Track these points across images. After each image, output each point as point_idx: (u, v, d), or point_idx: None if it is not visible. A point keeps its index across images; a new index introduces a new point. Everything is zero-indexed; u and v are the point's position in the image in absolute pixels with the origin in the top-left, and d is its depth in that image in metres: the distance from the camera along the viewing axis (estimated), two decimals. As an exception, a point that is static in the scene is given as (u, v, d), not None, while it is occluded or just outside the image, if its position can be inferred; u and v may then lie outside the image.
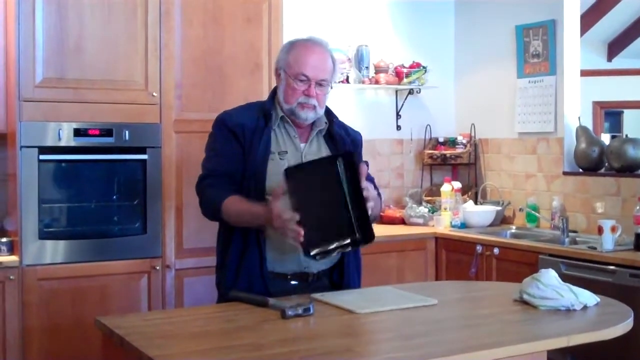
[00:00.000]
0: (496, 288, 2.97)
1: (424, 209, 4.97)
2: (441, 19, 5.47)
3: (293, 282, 2.62)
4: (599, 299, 2.46)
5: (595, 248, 3.85)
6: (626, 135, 4.46)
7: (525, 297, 2.44)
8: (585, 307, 2.40)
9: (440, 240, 4.68)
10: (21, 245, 3.52)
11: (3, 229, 3.82)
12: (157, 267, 3.82)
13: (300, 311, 2.25)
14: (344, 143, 2.76)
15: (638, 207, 3.81)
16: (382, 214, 5.05)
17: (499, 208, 4.92)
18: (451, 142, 5.30)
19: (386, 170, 5.26)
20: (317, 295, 2.51)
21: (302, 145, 2.69)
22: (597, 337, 2.18)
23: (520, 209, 4.81)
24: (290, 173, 2.39)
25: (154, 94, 3.83)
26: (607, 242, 3.80)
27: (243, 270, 2.57)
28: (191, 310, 2.83)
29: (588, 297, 2.43)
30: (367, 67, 5.03)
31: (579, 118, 4.70)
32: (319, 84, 2.64)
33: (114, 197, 3.80)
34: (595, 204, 4.43)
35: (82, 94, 3.66)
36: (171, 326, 2.26)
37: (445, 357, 1.91)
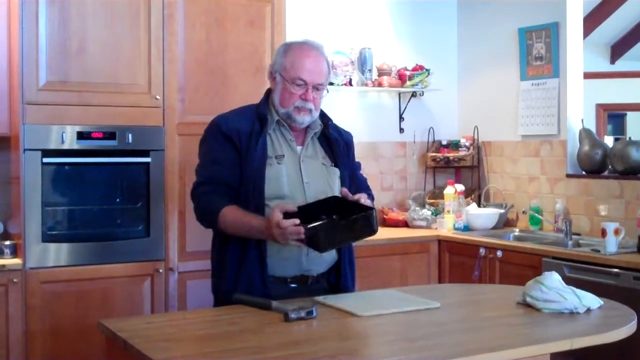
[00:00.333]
0: (499, 291, 2.97)
1: (427, 212, 4.97)
2: (444, 22, 5.48)
3: (292, 285, 2.62)
4: (602, 302, 2.46)
5: (598, 251, 3.84)
6: (629, 138, 4.47)
7: (529, 300, 2.43)
8: (588, 310, 2.39)
9: (443, 243, 4.68)
10: (24, 248, 3.52)
11: (6, 232, 3.82)
12: (160, 270, 3.82)
13: (303, 314, 2.26)
14: (338, 145, 2.75)
15: (641, 210, 3.81)
16: (385, 216, 5.06)
17: (502, 211, 4.91)
18: (454, 145, 5.30)
19: (389, 173, 5.25)
20: (320, 298, 2.51)
21: (299, 148, 2.68)
22: (600, 340, 2.18)
23: (524, 212, 4.81)
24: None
25: (157, 97, 3.83)
26: (611, 244, 3.79)
27: (243, 275, 2.56)
28: (194, 313, 2.83)
29: (591, 300, 2.43)
30: (370, 70, 5.03)
31: (582, 120, 4.70)
32: (316, 87, 2.63)
33: (117, 200, 3.81)
34: (598, 206, 4.43)
35: (85, 97, 3.67)
36: (174, 329, 2.26)
37: (448, 360, 1.91)
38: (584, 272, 3.75)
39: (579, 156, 4.55)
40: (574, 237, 4.29)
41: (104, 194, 3.78)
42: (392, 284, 4.22)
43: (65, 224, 3.69)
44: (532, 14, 4.89)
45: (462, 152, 5.23)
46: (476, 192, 5.21)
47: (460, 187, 4.96)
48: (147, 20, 3.80)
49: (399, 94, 5.26)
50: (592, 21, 7.51)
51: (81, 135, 3.65)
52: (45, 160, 3.57)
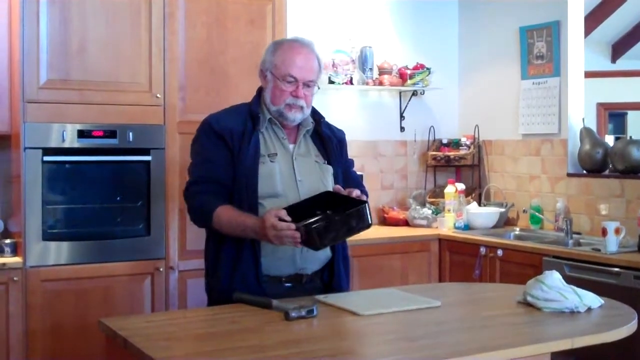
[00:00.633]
0: (500, 290, 2.97)
1: (427, 211, 4.97)
2: (445, 21, 5.47)
3: (287, 285, 2.61)
4: (603, 301, 2.46)
5: (599, 250, 3.84)
6: (630, 137, 4.45)
7: (529, 299, 2.43)
8: (589, 309, 2.39)
9: (444, 242, 4.67)
10: (25, 247, 3.52)
11: (7, 230, 3.82)
12: (161, 269, 3.82)
13: (303, 313, 2.25)
14: (331, 143, 2.74)
15: (642, 209, 3.81)
16: (385, 215, 5.06)
17: (503, 210, 4.91)
18: (455, 144, 5.29)
19: (390, 172, 5.25)
20: (321, 297, 2.51)
21: (291, 146, 2.67)
22: (601, 339, 2.18)
23: (524, 211, 4.81)
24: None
25: (158, 95, 3.83)
26: (611, 244, 3.79)
27: (237, 275, 2.55)
28: (194, 311, 2.83)
29: (592, 299, 2.42)
30: (370, 69, 5.03)
31: (583, 119, 4.69)
32: (306, 84, 2.62)
33: (118, 198, 3.81)
34: (599, 205, 4.42)
35: (86, 95, 3.67)
36: (175, 327, 2.27)
37: (449, 360, 1.91)
38: (585, 272, 3.75)
39: (580, 155, 4.55)
40: (574, 236, 4.29)
41: (104, 193, 3.78)
42: (393, 282, 4.21)
43: (65, 222, 3.69)
44: (533, 12, 4.89)
45: (462, 151, 5.22)
46: (477, 191, 5.21)
47: (461, 186, 4.96)
48: (148, 19, 3.80)
49: (400, 93, 5.26)
50: (593, 20, 7.50)
51: (82, 134, 3.65)
52: (46, 158, 3.57)
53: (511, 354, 1.99)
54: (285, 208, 2.43)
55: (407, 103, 5.26)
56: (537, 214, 4.71)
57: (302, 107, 2.62)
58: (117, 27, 3.74)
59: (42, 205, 3.57)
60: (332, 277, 2.69)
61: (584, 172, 4.57)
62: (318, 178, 2.66)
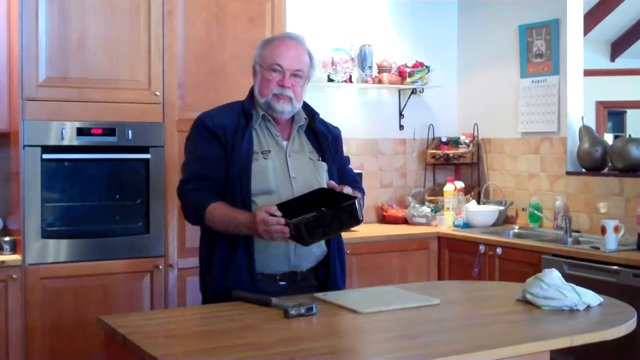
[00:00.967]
0: (499, 288, 2.97)
1: (426, 209, 4.97)
2: (444, 19, 5.47)
3: (282, 283, 2.60)
4: (602, 299, 2.46)
5: (598, 248, 3.84)
6: (629, 135, 4.45)
7: (529, 297, 2.43)
8: (588, 307, 2.39)
9: (443, 240, 4.67)
10: (24, 244, 3.52)
11: (6, 228, 3.82)
12: (160, 267, 3.82)
13: (303, 310, 2.25)
14: (326, 139, 2.73)
15: (641, 207, 3.81)
16: (384, 213, 5.06)
17: (502, 208, 4.91)
18: (454, 142, 5.29)
19: (389, 170, 5.25)
20: (320, 295, 2.51)
21: (285, 143, 2.66)
22: (600, 337, 2.18)
23: (523, 209, 4.81)
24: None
25: (157, 93, 3.83)
26: (610, 242, 3.79)
27: (231, 273, 2.54)
28: (194, 309, 2.83)
29: (591, 297, 2.43)
30: (370, 67, 5.03)
31: (582, 118, 4.69)
32: (294, 74, 2.61)
33: (117, 196, 3.80)
34: (598, 203, 4.43)
35: (85, 93, 3.67)
36: (174, 325, 2.27)
37: (448, 357, 1.90)
38: (584, 270, 3.75)
39: (579, 153, 4.55)
40: (573, 234, 4.29)
41: (103, 190, 3.78)
42: (392, 280, 4.22)
43: (64, 220, 3.69)
44: (532, 11, 4.89)
45: (462, 149, 5.23)
46: (476, 189, 5.21)
47: (460, 184, 4.97)
48: (147, 17, 3.80)
49: (399, 91, 5.26)
50: (592, 18, 7.50)
51: (81, 132, 3.64)
52: (45, 156, 3.56)
53: (510, 352, 1.99)
54: (278, 205, 2.42)
55: (407, 101, 5.26)
56: (536, 212, 4.71)
57: (290, 99, 2.60)
58: (116, 25, 3.73)
59: (41, 203, 3.56)
60: (328, 275, 2.68)
61: (583, 170, 4.57)
62: (312, 175, 2.65)
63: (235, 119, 2.61)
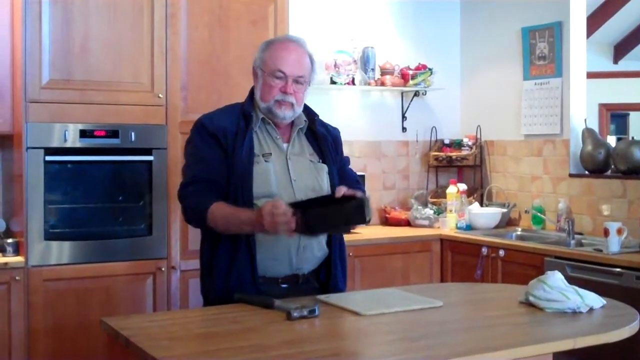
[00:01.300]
0: (502, 290, 2.97)
1: (429, 211, 4.97)
2: (447, 21, 5.47)
3: (283, 286, 2.59)
4: (605, 302, 2.46)
5: (601, 250, 3.84)
6: (632, 138, 4.46)
7: (531, 299, 2.43)
8: (591, 310, 2.39)
9: (446, 242, 4.67)
10: (27, 246, 3.53)
11: (9, 230, 3.82)
12: (163, 268, 3.82)
13: (305, 313, 2.25)
14: (326, 141, 2.72)
15: (644, 210, 3.80)
16: (387, 215, 5.06)
17: (505, 210, 4.91)
18: (457, 144, 5.29)
19: (392, 172, 5.25)
20: (323, 297, 2.50)
21: (285, 145, 2.66)
22: (603, 339, 2.17)
23: (526, 211, 4.81)
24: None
25: (160, 95, 3.84)
26: (613, 244, 3.79)
27: (233, 276, 2.53)
28: (196, 311, 2.83)
29: (594, 300, 2.42)
30: (372, 69, 5.03)
31: (585, 120, 4.69)
32: (296, 80, 2.60)
33: (120, 198, 3.81)
34: (601, 206, 4.42)
35: (88, 95, 3.68)
36: (176, 327, 2.27)
37: None
38: (587, 272, 3.75)
39: (582, 156, 4.54)
40: (576, 236, 4.29)
41: (106, 192, 3.78)
42: (394, 283, 4.21)
43: (67, 222, 3.69)
44: (535, 13, 4.89)
45: (464, 152, 5.22)
46: (479, 192, 5.21)
47: (463, 187, 4.96)
48: (150, 19, 3.81)
49: (402, 93, 5.26)
50: (595, 21, 7.49)
51: (84, 134, 3.65)
52: (48, 158, 3.57)
53: (513, 354, 1.99)
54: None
55: (409, 103, 5.26)
56: (539, 214, 4.71)
57: (292, 104, 2.60)
58: (119, 27, 3.74)
59: (44, 205, 3.57)
60: (329, 277, 2.67)
61: (586, 172, 4.57)
62: (313, 177, 2.64)
63: (234, 121, 2.60)
